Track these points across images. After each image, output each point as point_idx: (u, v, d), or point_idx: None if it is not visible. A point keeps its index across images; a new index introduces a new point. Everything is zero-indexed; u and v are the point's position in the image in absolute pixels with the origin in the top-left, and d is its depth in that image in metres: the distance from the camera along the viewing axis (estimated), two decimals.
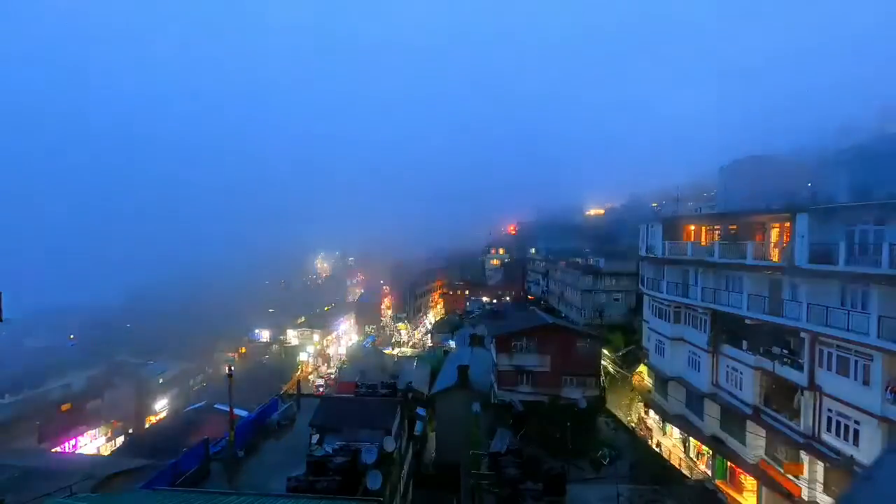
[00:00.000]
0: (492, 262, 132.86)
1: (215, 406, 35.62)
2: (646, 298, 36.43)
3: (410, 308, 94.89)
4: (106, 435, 46.91)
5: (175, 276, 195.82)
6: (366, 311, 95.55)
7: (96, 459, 31.13)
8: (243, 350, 73.61)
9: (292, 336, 78.08)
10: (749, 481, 24.87)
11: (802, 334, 21.50)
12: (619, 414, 34.25)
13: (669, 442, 32.36)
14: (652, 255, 33.93)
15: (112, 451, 39.98)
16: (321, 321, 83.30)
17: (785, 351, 23.08)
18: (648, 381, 35.89)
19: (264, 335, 78.63)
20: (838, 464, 19.21)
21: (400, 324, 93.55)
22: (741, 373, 25.76)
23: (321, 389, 58.49)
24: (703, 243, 30.55)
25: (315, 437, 18.39)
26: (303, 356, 71.57)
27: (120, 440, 46.35)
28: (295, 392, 36.84)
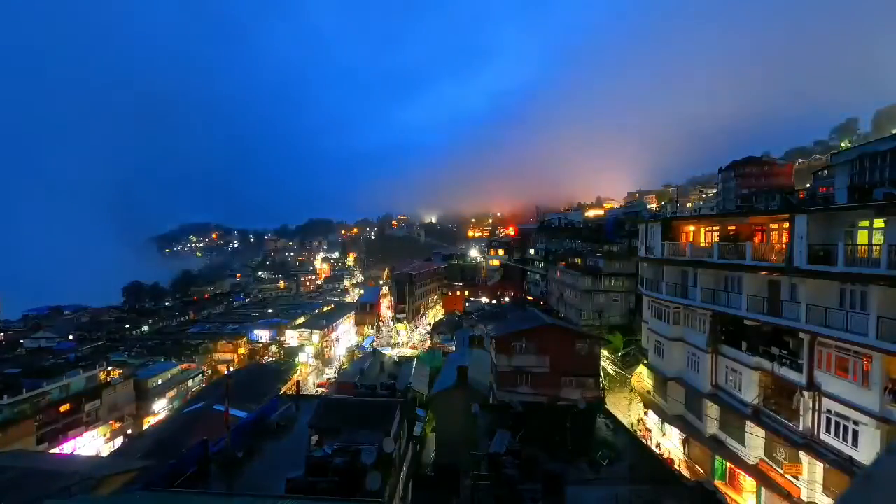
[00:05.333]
0: (491, 262, 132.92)
1: (214, 407, 35.52)
2: (645, 299, 36.43)
3: (410, 309, 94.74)
4: (105, 436, 46.81)
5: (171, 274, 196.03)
6: (365, 312, 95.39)
7: (95, 460, 31.01)
8: (242, 351, 73.42)
9: (291, 337, 77.92)
10: (748, 482, 24.87)
11: (801, 335, 21.52)
12: (619, 414, 34.22)
13: (669, 443, 32.35)
14: (651, 256, 33.94)
15: (111, 452, 39.88)
16: (320, 322, 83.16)
17: (784, 351, 23.09)
18: (648, 382, 35.88)
19: (263, 336, 78.42)
20: (837, 465, 19.22)
21: (399, 324, 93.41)
22: (740, 373, 25.77)
23: (320, 390, 58.44)
24: (703, 244, 30.57)
25: (314, 438, 18.38)
26: (302, 357, 71.42)
27: (119, 441, 46.25)
28: (294, 393, 36.86)
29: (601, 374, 37.12)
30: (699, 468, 28.44)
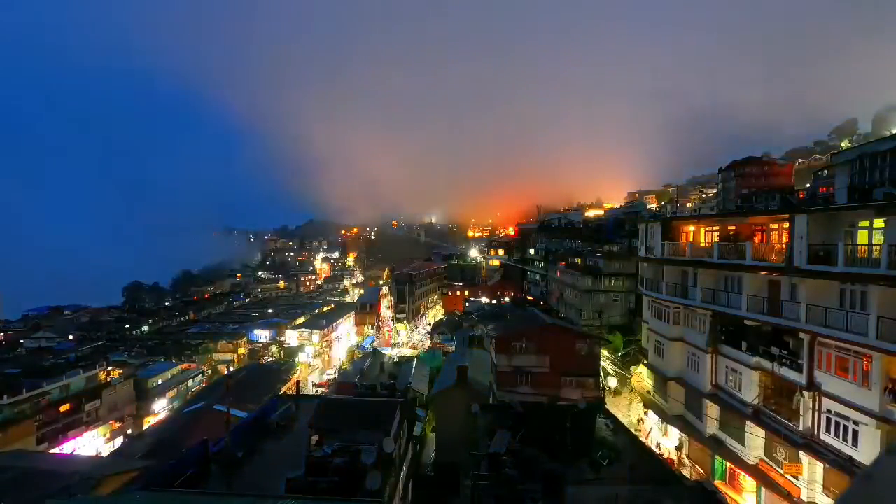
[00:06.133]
0: (491, 262, 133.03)
1: (214, 407, 35.54)
2: (645, 299, 36.43)
3: (410, 309, 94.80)
4: (105, 436, 46.83)
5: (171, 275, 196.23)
6: (365, 312, 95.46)
7: (95, 460, 31.05)
8: (242, 351, 73.46)
9: (291, 337, 77.96)
10: (748, 482, 24.87)
11: (801, 335, 21.51)
12: (619, 414, 34.24)
13: (669, 442, 32.35)
14: (651, 256, 33.94)
15: (111, 452, 39.89)
16: (320, 322, 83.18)
17: (784, 351, 23.09)
18: (648, 382, 35.90)
19: (263, 336, 78.46)
20: (837, 465, 19.22)
21: (399, 324, 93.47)
22: (740, 373, 25.77)
23: (320, 390, 58.44)
24: (703, 244, 30.58)
25: (314, 438, 18.36)
26: (302, 357, 71.43)
27: (119, 441, 46.26)
28: (294, 393, 36.89)
29: (601, 373, 37.12)
30: (699, 468, 28.44)
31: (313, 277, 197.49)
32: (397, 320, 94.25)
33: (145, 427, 47.35)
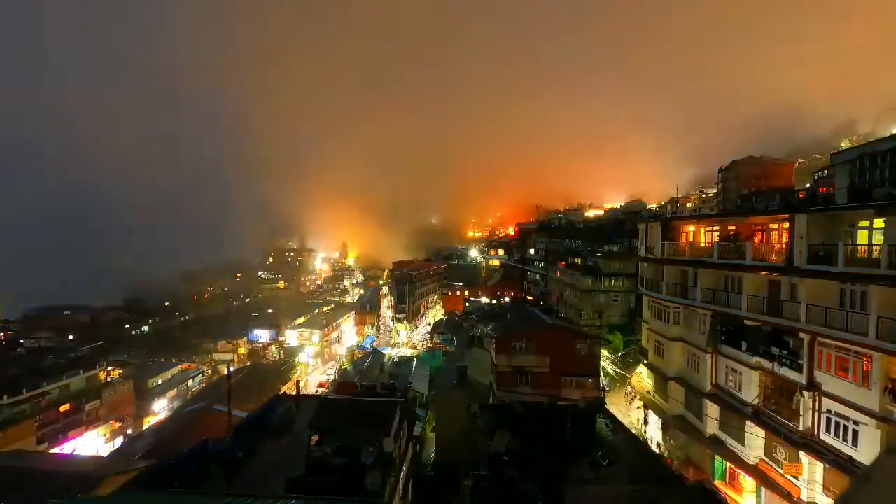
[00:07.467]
0: (491, 262, 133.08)
1: (214, 407, 35.57)
2: (645, 299, 36.43)
3: (410, 309, 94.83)
4: (105, 436, 46.88)
5: (173, 275, 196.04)
6: (365, 312, 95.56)
7: (95, 460, 31.10)
8: (242, 351, 73.54)
9: (291, 337, 78.03)
10: (748, 482, 24.87)
11: (801, 335, 21.51)
12: (619, 414, 34.24)
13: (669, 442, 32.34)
14: (651, 256, 33.94)
15: (111, 452, 39.92)
16: (320, 322, 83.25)
17: (784, 351, 23.08)
18: (648, 382, 35.89)
19: (263, 336, 78.51)
20: (837, 465, 19.22)
21: (399, 324, 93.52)
22: (740, 373, 25.77)
23: (320, 390, 58.47)
24: (703, 244, 30.58)
25: (314, 438, 18.37)
26: (302, 357, 71.51)
27: (119, 441, 46.30)
28: (294, 393, 36.92)
29: (601, 374, 37.13)
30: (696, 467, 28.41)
31: (313, 277, 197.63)
32: (397, 320, 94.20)
33: (145, 427, 47.41)
